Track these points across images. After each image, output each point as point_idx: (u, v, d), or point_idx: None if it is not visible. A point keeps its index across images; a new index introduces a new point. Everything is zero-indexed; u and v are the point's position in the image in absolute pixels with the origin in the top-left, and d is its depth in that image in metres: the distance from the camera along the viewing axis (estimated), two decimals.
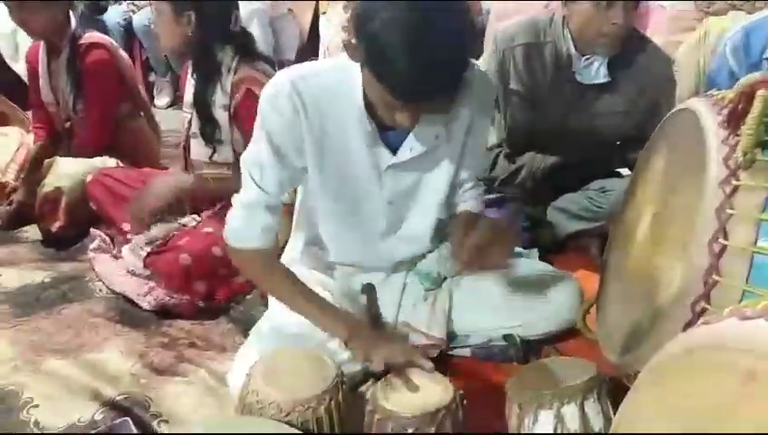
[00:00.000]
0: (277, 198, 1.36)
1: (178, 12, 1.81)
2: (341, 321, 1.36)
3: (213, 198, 1.99)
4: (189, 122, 1.99)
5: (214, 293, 1.88)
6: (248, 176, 1.34)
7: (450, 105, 1.20)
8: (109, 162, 2.36)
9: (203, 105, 1.89)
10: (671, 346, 0.70)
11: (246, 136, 1.84)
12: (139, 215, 1.97)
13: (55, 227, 2.24)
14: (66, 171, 2.26)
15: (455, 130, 1.39)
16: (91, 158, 2.33)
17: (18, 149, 2.43)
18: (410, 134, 1.34)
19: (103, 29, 2.93)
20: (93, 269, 2.06)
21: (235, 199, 1.38)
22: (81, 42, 2.35)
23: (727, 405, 0.60)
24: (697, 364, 0.65)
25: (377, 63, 1.09)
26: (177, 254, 1.84)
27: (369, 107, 1.26)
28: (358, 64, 1.20)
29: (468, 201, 1.51)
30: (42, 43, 2.42)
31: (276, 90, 1.28)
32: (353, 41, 1.13)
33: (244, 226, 1.36)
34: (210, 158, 1.94)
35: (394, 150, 1.36)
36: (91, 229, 2.20)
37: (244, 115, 1.85)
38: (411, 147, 1.35)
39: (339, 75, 1.28)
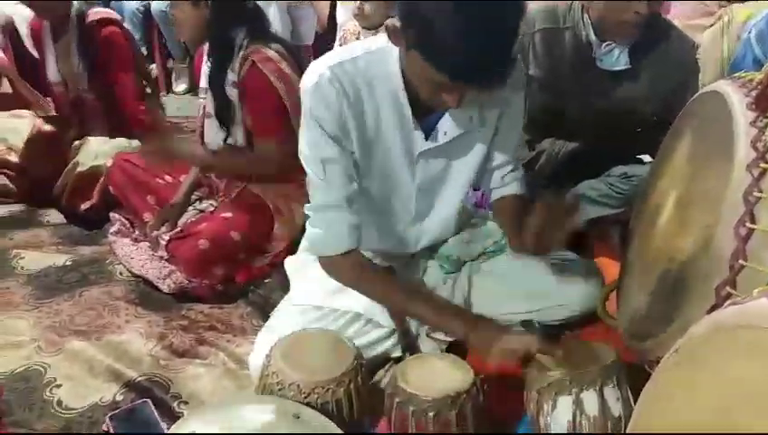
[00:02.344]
0: (350, 188, 1.31)
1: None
2: (459, 317, 1.30)
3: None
4: (204, 107, 1.99)
5: (233, 277, 1.89)
6: (312, 176, 1.31)
7: (503, 83, 1.18)
8: (135, 144, 2.38)
9: (218, 86, 1.89)
10: (698, 327, 0.69)
11: (249, 110, 1.86)
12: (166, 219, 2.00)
13: (86, 205, 2.27)
14: (100, 151, 2.29)
15: (488, 112, 1.38)
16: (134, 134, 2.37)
17: (31, 129, 2.45)
18: (443, 118, 1.33)
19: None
20: (113, 252, 2.08)
21: (308, 208, 1.34)
22: (90, 18, 2.36)
23: (757, 386, 0.59)
24: (726, 345, 0.64)
25: (430, 46, 1.08)
26: (195, 239, 1.85)
27: (406, 90, 1.26)
28: (392, 47, 1.19)
29: (511, 184, 1.51)
30: (45, 23, 2.43)
31: (317, 79, 1.27)
32: (397, 24, 1.13)
33: (326, 231, 1.32)
34: (224, 141, 1.94)
35: (427, 135, 1.35)
36: (111, 213, 2.22)
37: (247, 88, 1.86)
38: (446, 130, 1.35)
39: (374, 59, 1.28)
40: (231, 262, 1.88)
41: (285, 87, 1.84)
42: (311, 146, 1.30)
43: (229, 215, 1.92)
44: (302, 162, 1.33)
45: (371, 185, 1.41)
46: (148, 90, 2.63)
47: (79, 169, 2.29)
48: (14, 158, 2.43)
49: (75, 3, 2.35)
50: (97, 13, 2.40)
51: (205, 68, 1.99)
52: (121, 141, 2.36)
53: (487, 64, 1.09)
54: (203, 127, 2.03)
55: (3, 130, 2.47)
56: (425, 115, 1.32)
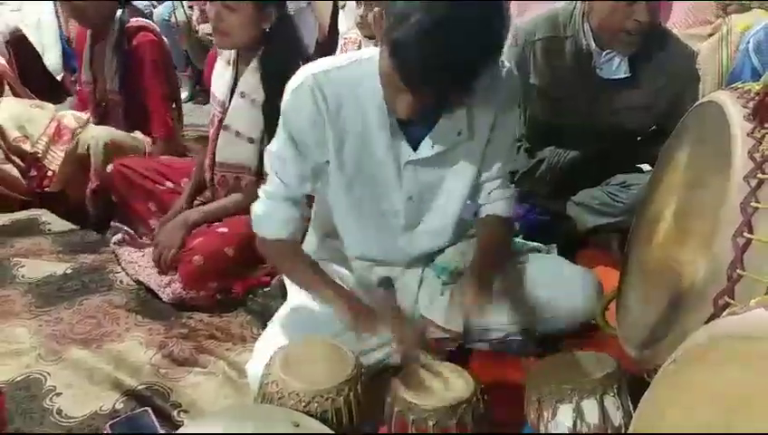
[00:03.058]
0: (298, 190, 1.39)
1: (262, 8, 1.79)
2: (354, 306, 1.34)
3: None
4: (220, 120, 1.96)
5: (229, 289, 1.89)
6: (270, 168, 1.38)
7: (457, 104, 1.18)
8: (138, 135, 2.40)
9: (273, 111, 1.67)
10: (696, 336, 0.70)
11: None
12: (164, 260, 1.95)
13: (89, 188, 2.29)
14: (91, 135, 2.31)
15: (478, 127, 1.37)
16: (167, 150, 2.40)
17: (50, 122, 2.47)
18: (433, 130, 1.33)
19: None
20: (117, 260, 2.08)
21: (261, 189, 1.42)
22: (129, 24, 2.41)
23: (754, 395, 0.60)
24: (723, 354, 0.65)
25: (395, 39, 1.09)
26: (190, 255, 1.85)
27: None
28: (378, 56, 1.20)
29: (496, 202, 1.49)
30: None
31: (299, 83, 1.29)
32: (384, 15, 1.14)
33: (266, 216, 1.41)
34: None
35: (415, 146, 1.35)
36: (113, 223, 2.23)
37: None
38: (432, 143, 1.35)
39: (361, 68, 1.29)
40: (226, 276, 1.87)
41: None
42: (277, 142, 1.37)
43: (225, 230, 1.91)
44: (265, 152, 1.41)
45: (359, 191, 1.42)
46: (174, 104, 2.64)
47: (78, 152, 2.29)
48: (27, 147, 2.43)
49: (118, 12, 2.41)
50: (137, 21, 2.45)
51: (221, 78, 1.97)
52: (119, 132, 2.39)
53: (441, 75, 1.08)
54: (215, 141, 1.99)
55: (22, 119, 2.48)
56: (412, 125, 1.32)
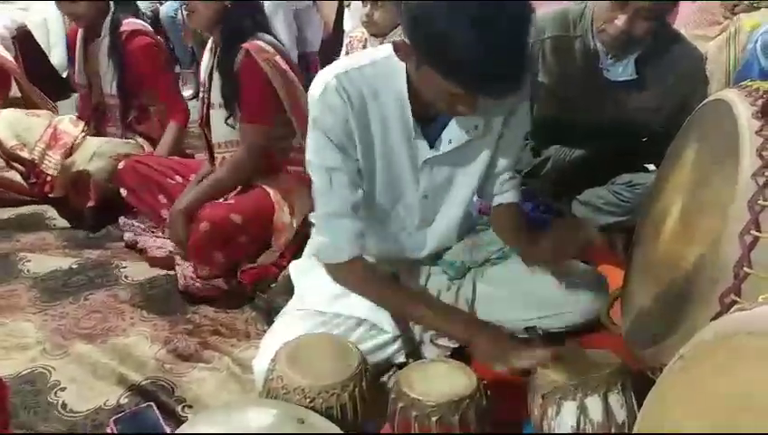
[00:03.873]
0: (352, 197, 1.33)
1: None
2: (461, 321, 1.33)
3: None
4: (205, 99, 2.01)
5: (235, 264, 1.90)
6: (318, 184, 1.32)
7: (521, 89, 1.18)
8: (134, 143, 2.42)
9: (227, 69, 1.90)
10: (704, 333, 0.69)
11: (241, 97, 1.90)
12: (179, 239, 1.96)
13: (88, 205, 2.30)
14: (92, 153, 2.32)
15: (493, 119, 1.38)
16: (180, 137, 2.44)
17: (46, 129, 2.47)
18: (448, 126, 1.34)
19: None
20: (138, 251, 2.12)
21: (314, 216, 1.37)
22: (123, 28, 2.40)
23: (761, 392, 0.60)
24: (731, 351, 0.64)
25: (447, 62, 1.08)
26: (197, 223, 1.85)
27: (411, 99, 1.27)
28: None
29: (509, 191, 1.51)
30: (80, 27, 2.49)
31: (323, 87, 1.28)
32: (407, 42, 1.13)
33: (332, 238, 1.34)
34: (226, 121, 1.95)
35: (431, 143, 1.36)
36: (121, 219, 2.25)
37: (240, 75, 1.88)
38: (450, 139, 1.35)
39: (379, 67, 1.29)
40: (232, 246, 1.87)
41: (280, 78, 1.89)
42: (316, 154, 1.31)
43: (231, 202, 1.94)
44: (308, 170, 1.34)
45: (375, 192, 1.42)
46: None
47: (73, 169, 2.31)
48: (26, 154, 2.43)
49: (111, 8, 2.40)
50: (129, 23, 2.43)
51: (206, 59, 2.01)
52: (118, 142, 2.40)
53: (506, 73, 1.09)
54: (207, 120, 2.03)
55: (18, 128, 2.48)
56: (429, 123, 1.33)
